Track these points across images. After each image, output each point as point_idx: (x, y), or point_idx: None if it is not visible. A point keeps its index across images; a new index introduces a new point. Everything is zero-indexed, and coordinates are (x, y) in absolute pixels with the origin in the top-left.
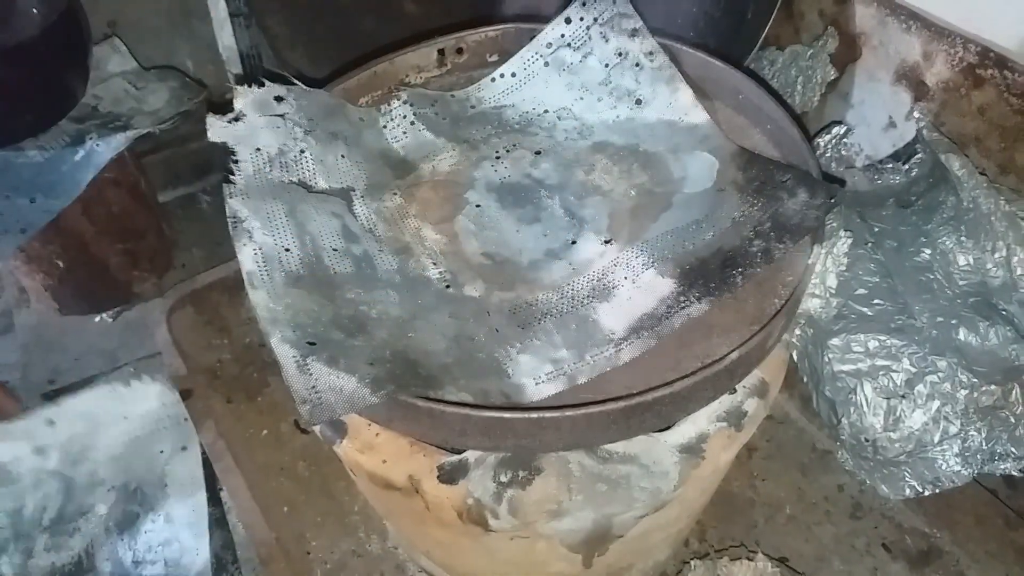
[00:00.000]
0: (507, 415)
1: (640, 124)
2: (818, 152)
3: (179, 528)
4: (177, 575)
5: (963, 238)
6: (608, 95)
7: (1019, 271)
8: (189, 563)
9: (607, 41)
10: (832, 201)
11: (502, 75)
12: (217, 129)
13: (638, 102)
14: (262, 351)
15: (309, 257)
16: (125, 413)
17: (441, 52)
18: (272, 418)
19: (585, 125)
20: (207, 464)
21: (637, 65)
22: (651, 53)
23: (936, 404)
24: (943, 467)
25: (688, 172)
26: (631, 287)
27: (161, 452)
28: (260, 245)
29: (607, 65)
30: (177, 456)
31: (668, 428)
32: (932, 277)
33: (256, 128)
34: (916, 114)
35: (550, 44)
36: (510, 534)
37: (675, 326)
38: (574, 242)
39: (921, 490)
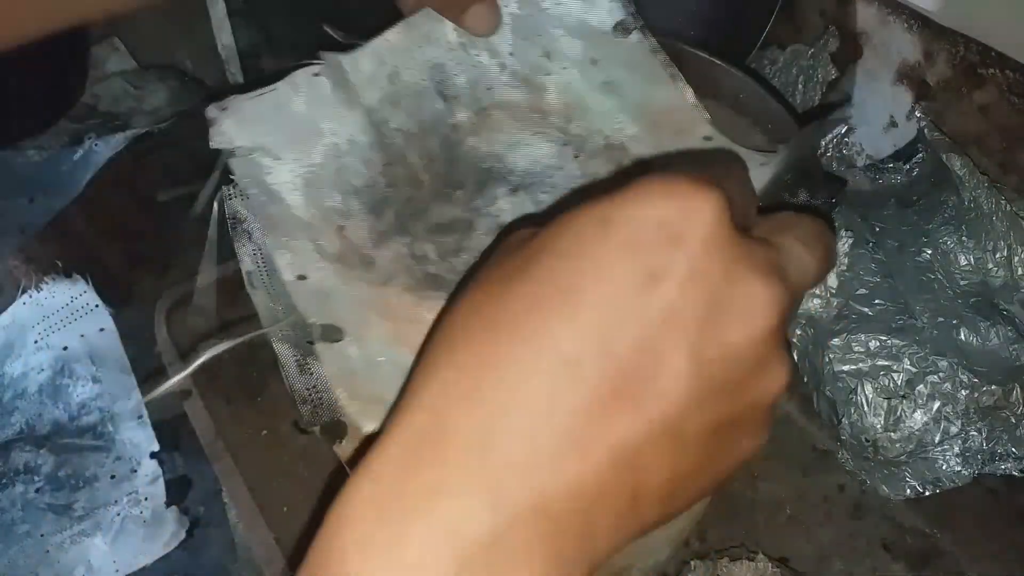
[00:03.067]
0: None
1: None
2: (819, 152)
3: (107, 385)
4: (112, 415)
5: (964, 238)
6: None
7: (1020, 271)
8: (122, 406)
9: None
10: (833, 201)
11: None
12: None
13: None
14: (262, 351)
15: None
16: (43, 314)
17: None
18: (272, 419)
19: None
20: (206, 463)
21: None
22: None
23: (937, 404)
24: (944, 467)
25: None
26: None
27: (82, 336)
28: (260, 246)
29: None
30: (96, 336)
31: None
32: (933, 277)
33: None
34: (917, 113)
35: None
36: None
37: None
38: None
39: (922, 490)
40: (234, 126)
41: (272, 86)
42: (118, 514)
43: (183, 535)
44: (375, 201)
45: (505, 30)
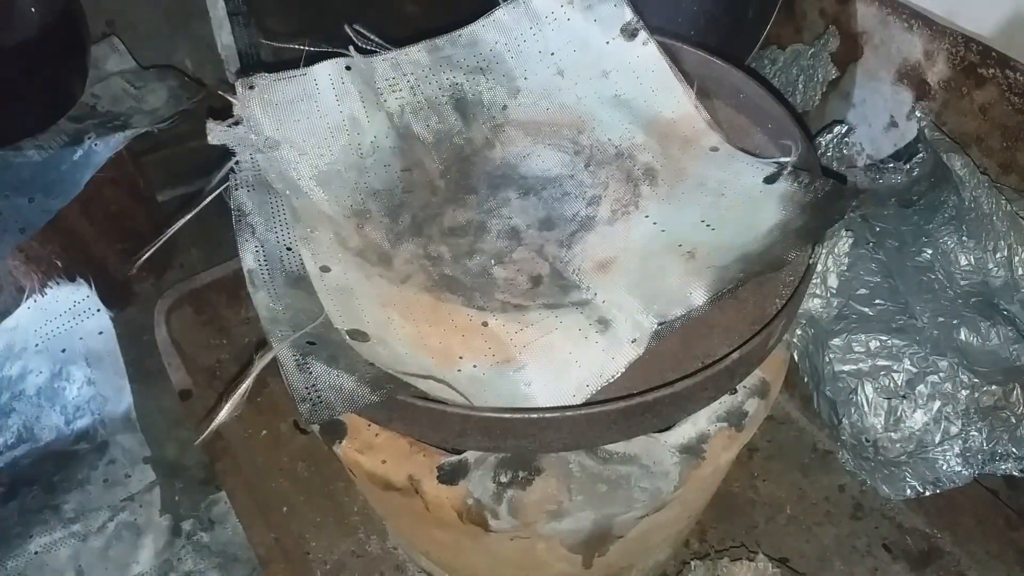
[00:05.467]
0: (507, 415)
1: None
2: (819, 151)
3: (100, 387)
4: (104, 419)
5: (964, 238)
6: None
7: (1020, 271)
8: (114, 408)
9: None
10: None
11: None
12: (217, 133)
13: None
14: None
15: None
16: (46, 318)
17: None
18: (272, 418)
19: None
20: (206, 465)
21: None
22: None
23: (937, 404)
24: (944, 467)
25: None
26: None
27: (80, 339)
28: (262, 242)
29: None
30: (95, 339)
31: (668, 428)
32: (933, 277)
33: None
34: (918, 113)
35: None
36: (510, 534)
37: (675, 326)
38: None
39: (922, 490)
40: (260, 108)
41: (302, 70)
42: (111, 518)
43: (176, 543)
44: (393, 205)
45: (522, 55)
